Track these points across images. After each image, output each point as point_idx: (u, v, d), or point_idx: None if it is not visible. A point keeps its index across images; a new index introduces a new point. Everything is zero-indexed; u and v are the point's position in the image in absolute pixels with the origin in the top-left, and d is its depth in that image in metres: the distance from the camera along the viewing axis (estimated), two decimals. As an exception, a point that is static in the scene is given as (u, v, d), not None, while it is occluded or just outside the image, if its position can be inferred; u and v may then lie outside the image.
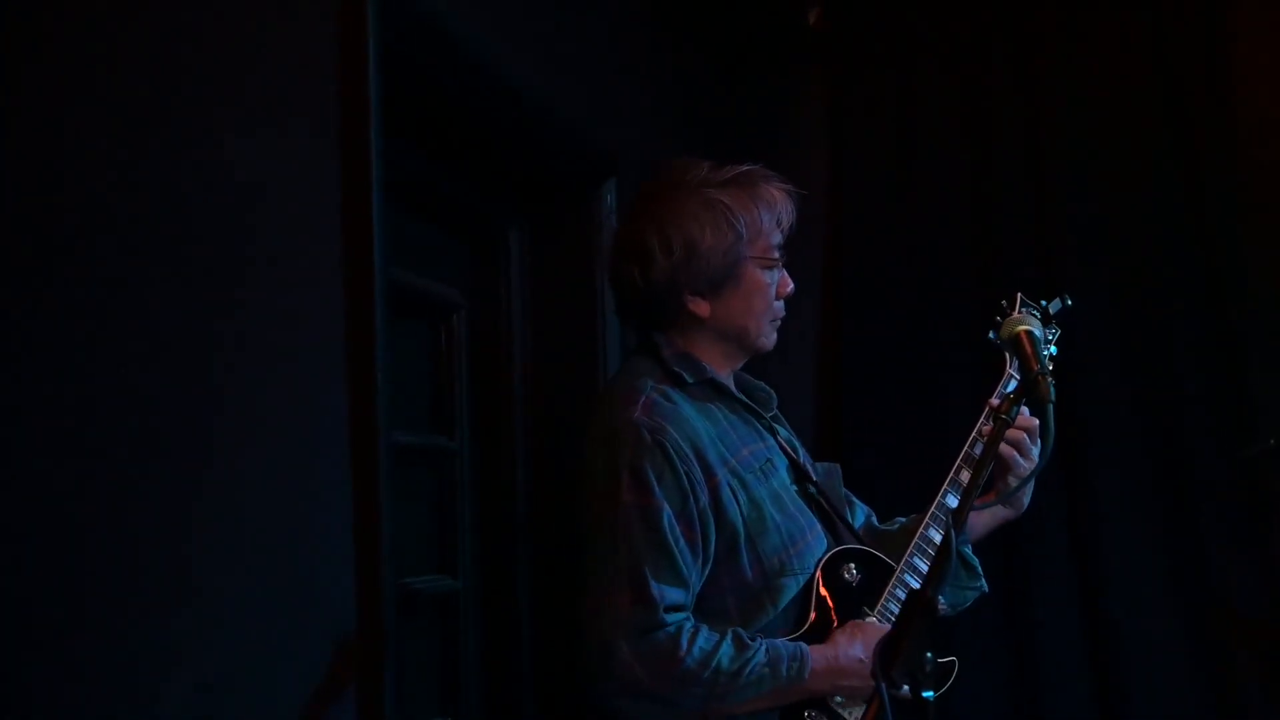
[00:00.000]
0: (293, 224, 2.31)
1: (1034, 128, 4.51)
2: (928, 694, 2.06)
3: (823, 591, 2.52)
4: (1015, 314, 2.59)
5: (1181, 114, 4.38)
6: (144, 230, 1.97)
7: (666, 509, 2.38)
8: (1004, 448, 2.67)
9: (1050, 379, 2.26)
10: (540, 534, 3.47)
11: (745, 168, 2.61)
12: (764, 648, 2.41)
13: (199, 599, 2.04)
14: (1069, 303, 2.96)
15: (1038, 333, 2.42)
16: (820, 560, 2.54)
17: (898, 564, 2.60)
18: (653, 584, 2.34)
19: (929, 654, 2.05)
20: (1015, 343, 2.41)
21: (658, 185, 2.61)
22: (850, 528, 2.73)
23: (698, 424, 2.48)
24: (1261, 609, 4.25)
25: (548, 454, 3.48)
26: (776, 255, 2.61)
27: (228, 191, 2.15)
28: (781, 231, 2.62)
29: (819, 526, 2.61)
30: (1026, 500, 2.84)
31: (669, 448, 2.40)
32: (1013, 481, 2.73)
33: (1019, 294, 2.84)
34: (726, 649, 2.37)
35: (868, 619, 2.54)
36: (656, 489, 2.38)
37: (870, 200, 4.67)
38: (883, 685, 2.03)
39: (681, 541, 2.39)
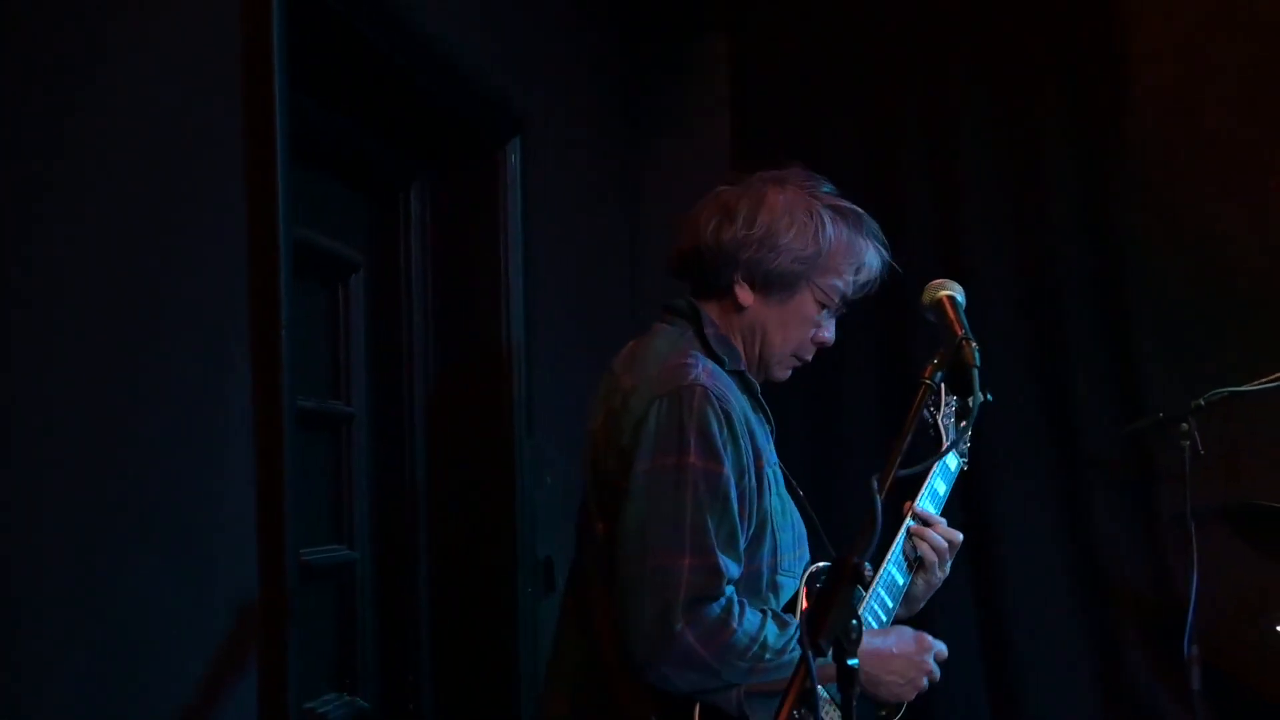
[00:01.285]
0: (194, 180, 2.19)
1: (935, 104, 4.50)
2: (852, 661, 2.01)
3: (806, 602, 2.45)
4: (939, 279, 2.55)
5: (1077, 98, 4.39)
6: (36, 185, 1.85)
7: (732, 480, 2.28)
8: (928, 553, 2.65)
9: (974, 344, 2.23)
10: (439, 503, 3.37)
11: (860, 211, 2.56)
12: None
13: (98, 566, 1.93)
14: (989, 399, 3.01)
15: (960, 298, 2.38)
16: (806, 570, 2.49)
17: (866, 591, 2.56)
18: (719, 553, 2.24)
19: (855, 621, 2.00)
20: (937, 306, 2.36)
21: (778, 176, 2.54)
22: (827, 546, 2.67)
23: (745, 405, 2.42)
24: (1149, 581, 4.31)
25: (447, 421, 3.38)
26: (837, 299, 2.54)
27: (126, 147, 2.03)
28: (852, 287, 2.55)
29: (808, 538, 2.57)
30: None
31: (735, 418, 2.31)
32: (920, 585, 2.69)
33: (943, 385, 2.81)
34: (771, 627, 2.29)
35: None
36: (725, 456, 2.27)
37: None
38: (809, 653, 1.97)
39: (739, 516, 2.30)
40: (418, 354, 3.37)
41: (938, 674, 2.53)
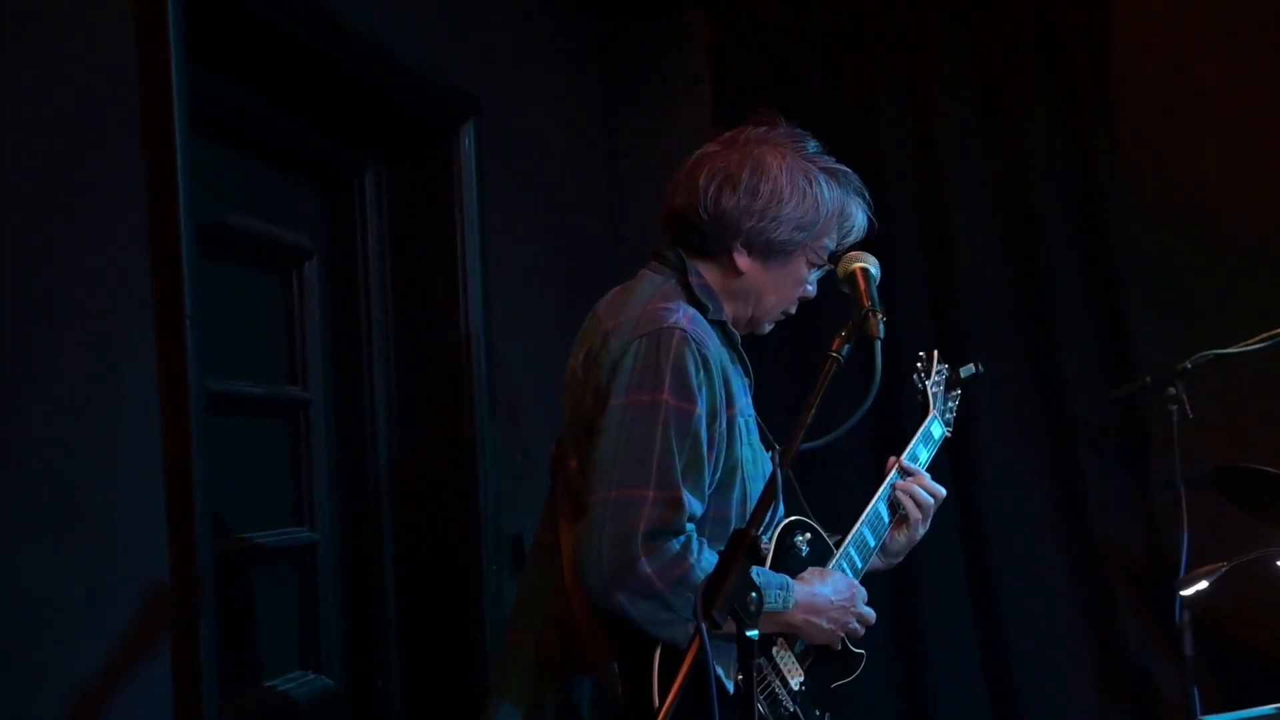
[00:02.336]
0: (93, 159, 2.17)
1: (917, 71, 4.39)
2: (752, 633, 1.97)
3: (776, 556, 2.45)
4: (854, 252, 2.50)
5: (1061, 57, 4.27)
6: None
7: (704, 420, 2.28)
8: (912, 508, 2.66)
9: (881, 316, 2.23)
10: (402, 485, 3.36)
11: (846, 169, 2.54)
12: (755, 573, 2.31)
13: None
14: (981, 369, 2.99)
15: (874, 271, 2.36)
16: (779, 522, 2.49)
17: (836, 550, 2.56)
18: (683, 488, 2.23)
19: (753, 594, 1.96)
20: (850, 278, 2.36)
21: (771, 135, 2.50)
22: (802, 502, 2.64)
23: (724, 355, 2.40)
24: (1140, 546, 4.21)
25: (407, 403, 3.36)
26: (825, 258, 2.52)
27: (21, 123, 2.02)
28: (838, 244, 2.54)
29: (782, 493, 2.52)
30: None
31: (711, 362, 2.30)
32: (901, 540, 2.69)
33: (935, 352, 2.93)
34: None
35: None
36: (699, 396, 2.27)
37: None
38: (703, 625, 1.94)
39: (707, 457, 2.29)
40: (376, 339, 3.35)
41: (871, 616, 2.52)
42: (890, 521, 2.66)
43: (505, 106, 3.60)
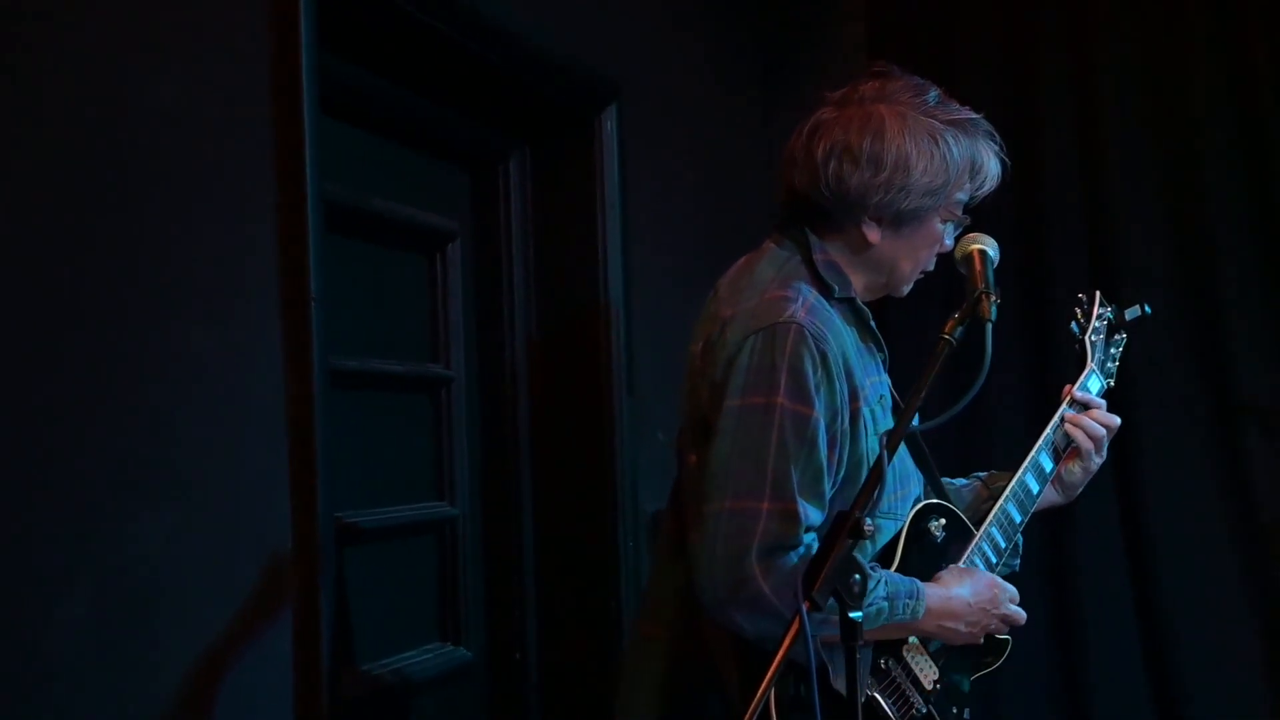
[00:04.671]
0: (225, 143, 2.19)
1: (1080, 57, 4.17)
2: (855, 614, 1.88)
3: (909, 541, 2.32)
4: (972, 233, 2.36)
5: (1233, 32, 4.02)
6: (65, 158, 1.87)
7: (822, 422, 2.13)
8: (1083, 439, 2.53)
9: (994, 299, 2.12)
10: (540, 459, 3.34)
11: (972, 114, 2.33)
12: (884, 581, 2.18)
13: (113, 522, 1.96)
14: (1148, 311, 2.77)
15: (992, 253, 2.23)
16: (913, 508, 2.34)
17: (977, 529, 2.42)
18: (799, 499, 2.09)
19: (856, 575, 1.87)
20: (968, 260, 2.23)
21: (883, 93, 2.29)
22: (939, 483, 2.51)
23: (847, 340, 2.25)
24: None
25: (547, 381, 3.34)
26: (960, 212, 2.35)
27: (154, 109, 2.05)
28: (972, 196, 2.36)
29: (917, 474, 2.42)
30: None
31: (831, 358, 2.14)
32: (1077, 471, 2.57)
33: (1098, 293, 2.74)
34: None
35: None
36: (816, 399, 2.12)
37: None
38: (804, 607, 1.85)
39: (828, 460, 2.15)
40: (518, 318, 3.33)
41: (1021, 617, 2.37)
42: (1051, 471, 2.53)
43: (649, 86, 3.53)
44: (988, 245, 2.22)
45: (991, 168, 2.34)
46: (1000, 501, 2.48)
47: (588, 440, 3.32)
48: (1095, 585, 4.10)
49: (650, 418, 3.43)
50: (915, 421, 2.03)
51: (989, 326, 2.07)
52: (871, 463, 2.22)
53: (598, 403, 3.32)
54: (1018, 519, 2.49)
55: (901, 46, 4.22)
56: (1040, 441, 2.54)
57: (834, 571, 1.87)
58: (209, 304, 2.15)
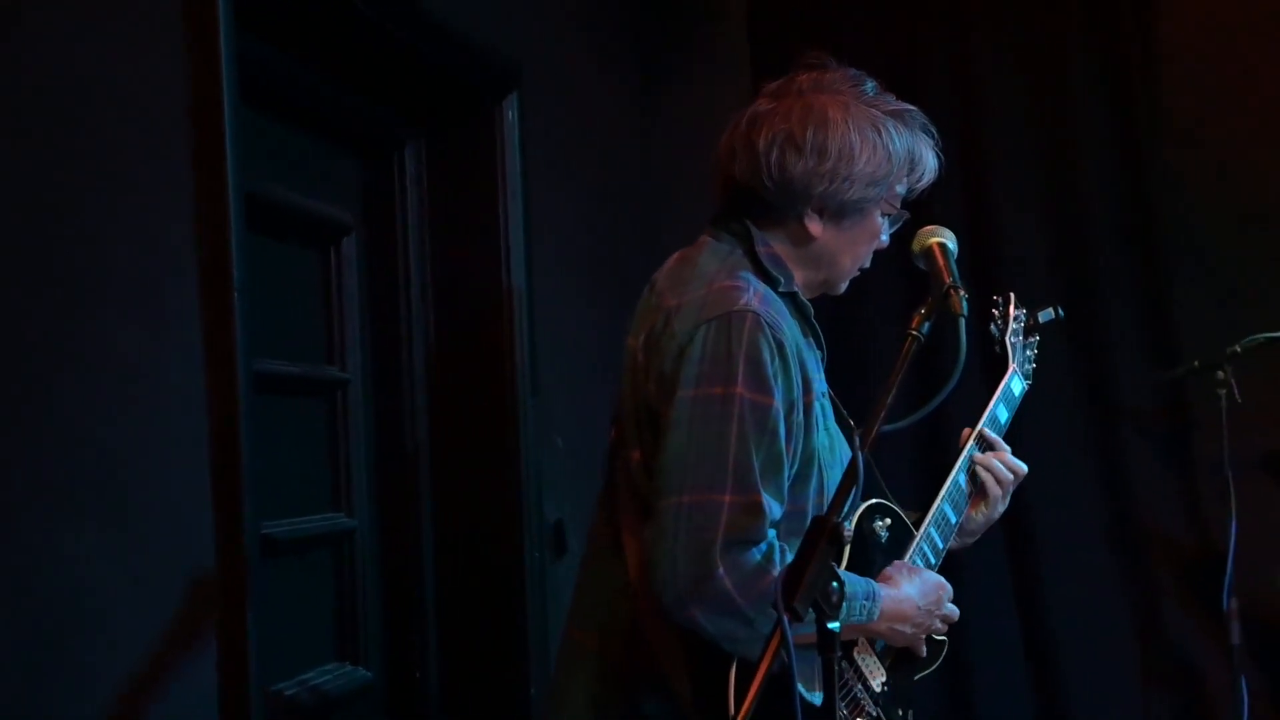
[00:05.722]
0: (139, 132, 2.03)
1: (959, 50, 4.24)
2: (833, 625, 1.82)
3: (856, 541, 2.26)
4: (928, 226, 2.34)
5: (1108, 32, 4.14)
6: None
7: (781, 413, 2.07)
8: (992, 485, 2.48)
9: (962, 293, 2.07)
10: (442, 469, 3.22)
11: (911, 106, 2.31)
12: (844, 582, 2.14)
13: (27, 543, 1.79)
14: (1060, 314, 2.79)
15: (951, 246, 2.21)
16: (860, 507, 2.29)
17: (916, 531, 2.39)
18: (762, 492, 2.02)
19: (834, 583, 1.82)
20: (928, 254, 2.20)
21: (822, 83, 2.26)
22: (880, 483, 2.45)
23: (795, 333, 2.19)
24: (1187, 532, 4.09)
25: (447, 384, 3.22)
26: (899, 206, 2.32)
27: (62, 94, 1.87)
28: (908, 189, 2.33)
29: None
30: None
31: (787, 347, 2.09)
32: (979, 519, 2.52)
33: (1012, 295, 2.74)
34: None
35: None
36: (775, 388, 2.05)
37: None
38: (785, 618, 1.79)
39: (785, 452, 2.08)
40: (416, 317, 3.20)
41: (955, 614, 2.34)
42: (971, 493, 2.48)
43: (546, 76, 3.45)
44: (946, 238, 2.20)
45: (929, 161, 2.34)
46: (936, 502, 2.46)
47: (490, 445, 3.22)
48: (977, 583, 4.15)
49: (554, 421, 3.33)
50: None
51: (962, 322, 2.05)
52: (821, 459, 2.19)
53: (500, 406, 3.21)
54: (953, 519, 2.47)
55: (780, 38, 4.24)
56: (951, 477, 2.48)
57: (813, 580, 1.81)
58: (125, 302, 1.99)
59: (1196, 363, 3.86)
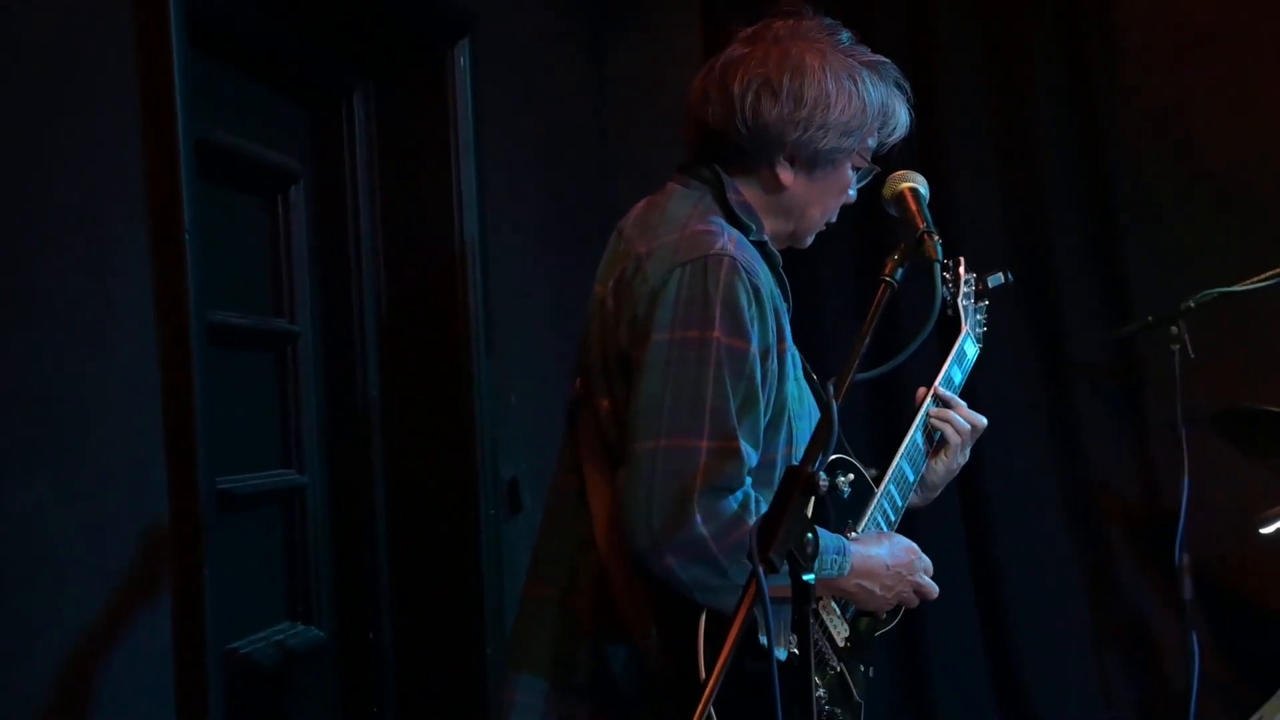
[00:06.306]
0: (87, 77, 1.96)
1: (917, 14, 4.22)
2: (808, 577, 1.80)
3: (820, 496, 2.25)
4: (898, 172, 2.32)
5: (1065, 3, 4.14)
6: None
7: (758, 359, 2.05)
8: (951, 434, 2.49)
9: (936, 238, 2.04)
10: (394, 424, 3.17)
11: (884, 59, 2.30)
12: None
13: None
14: (1010, 279, 2.81)
15: (923, 190, 2.19)
16: (825, 461, 2.27)
17: (877, 488, 2.39)
18: (741, 439, 2.00)
19: (809, 534, 1.80)
20: (899, 199, 2.17)
21: (798, 31, 2.24)
22: (841, 438, 2.44)
23: (769, 280, 2.16)
24: (1139, 489, 4.13)
25: (399, 337, 3.17)
26: (869, 160, 2.32)
27: (6, 37, 1.81)
28: (879, 143, 2.32)
29: None
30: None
31: (763, 293, 2.07)
32: (939, 470, 2.53)
33: (962, 259, 2.75)
34: None
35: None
36: (751, 333, 2.04)
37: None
38: (760, 569, 1.76)
39: (761, 399, 2.06)
40: (366, 269, 3.14)
41: (934, 590, 2.33)
42: (928, 451, 2.48)
43: (498, 25, 3.38)
44: (918, 183, 2.17)
45: (902, 116, 2.33)
46: (895, 460, 2.45)
47: (443, 402, 3.18)
48: (930, 543, 4.15)
49: (509, 377, 3.29)
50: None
51: (936, 267, 2.02)
52: (791, 410, 2.18)
53: (453, 361, 3.18)
54: (911, 478, 2.46)
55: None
56: (909, 436, 2.49)
57: (788, 531, 1.79)
58: (74, 249, 1.92)
59: (1150, 319, 3.89)
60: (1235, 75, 4.04)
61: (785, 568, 1.84)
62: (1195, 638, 3.81)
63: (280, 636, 2.90)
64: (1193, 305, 3.77)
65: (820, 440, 1.84)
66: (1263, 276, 3.61)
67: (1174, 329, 3.81)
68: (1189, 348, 3.80)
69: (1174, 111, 4.08)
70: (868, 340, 1.98)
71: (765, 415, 2.10)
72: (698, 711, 1.68)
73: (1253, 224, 3.98)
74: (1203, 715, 3.80)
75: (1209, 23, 4.06)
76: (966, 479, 4.15)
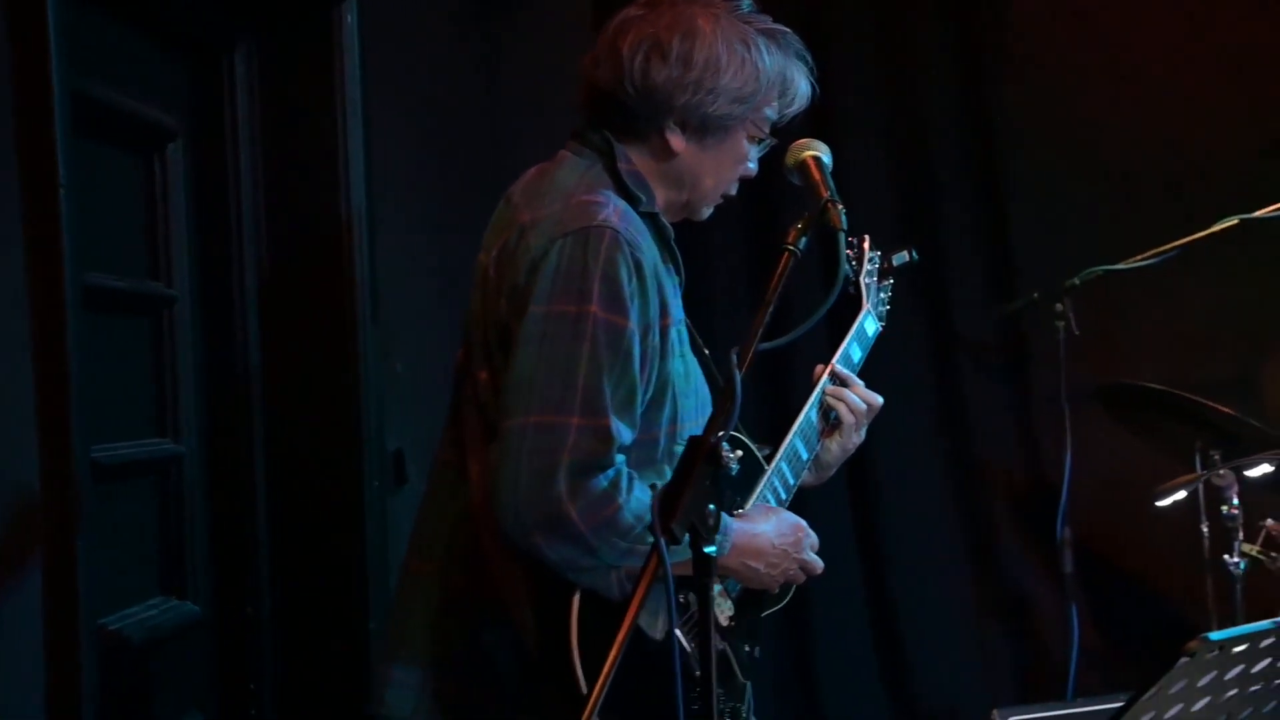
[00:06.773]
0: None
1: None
2: (710, 549, 1.79)
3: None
4: (801, 140, 2.31)
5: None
6: None
7: (636, 335, 2.03)
8: (845, 413, 2.46)
9: (840, 207, 2.05)
10: (275, 392, 3.09)
11: (785, 29, 2.28)
12: None
13: None
14: (915, 257, 2.79)
15: (826, 159, 2.18)
16: (729, 433, 2.24)
17: (767, 465, 2.36)
18: (612, 416, 1.98)
19: (711, 505, 1.78)
20: (802, 168, 2.17)
21: None
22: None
23: (655, 255, 2.13)
24: (1022, 464, 4.23)
25: (281, 303, 3.09)
26: (767, 131, 2.29)
27: None
28: (779, 115, 2.30)
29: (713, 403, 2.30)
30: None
31: (645, 268, 2.04)
32: (834, 449, 2.49)
33: (867, 237, 2.73)
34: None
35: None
36: (630, 309, 2.01)
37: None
38: (661, 540, 1.74)
39: (640, 377, 2.04)
40: (247, 232, 3.05)
41: (819, 566, 2.31)
42: (823, 429, 2.47)
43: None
44: (821, 151, 2.17)
45: (802, 87, 2.32)
46: (788, 438, 2.44)
47: (327, 370, 3.11)
48: (817, 517, 4.20)
49: (395, 346, 3.22)
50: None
51: (841, 236, 2.03)
52: (676, 387, 2.16)
53: (338, 329, 3.10)
54: (805, 456, 2.46)
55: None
56: (803, 413, 2.47)
57: (690, 503, 1.78)
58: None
59: (1035, 295, 3.96)
60: (1119, 55, 4.13)
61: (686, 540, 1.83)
62: (1075, 610, 3.91)
63: (154, 611, 2.81)
64: (1077, 282, 3.85)
65: (725, 411, 1.83)
66: (1145, 255, 3.69)
67: (1059, 306, 3.89)
68: (1073, 324, 3.88)
69: (1061, 89, 4.16)
70: (771, 309, 1.99)
71: (646, 393, 2.09)
72: (587, 711, 1.66)
73: (1137, 202, 4.08)
74: (1081, 685, 3.90)
75: (1094, 7, 4.14)
76: (853, 454, 4.21)
